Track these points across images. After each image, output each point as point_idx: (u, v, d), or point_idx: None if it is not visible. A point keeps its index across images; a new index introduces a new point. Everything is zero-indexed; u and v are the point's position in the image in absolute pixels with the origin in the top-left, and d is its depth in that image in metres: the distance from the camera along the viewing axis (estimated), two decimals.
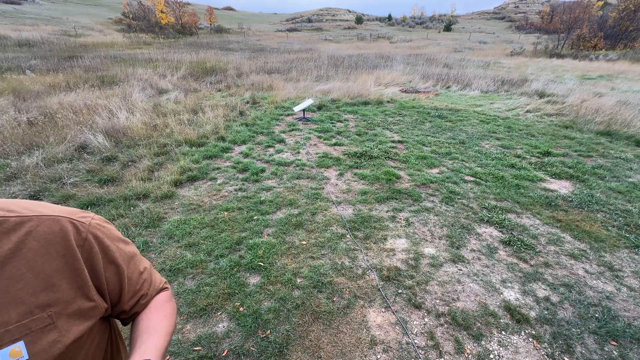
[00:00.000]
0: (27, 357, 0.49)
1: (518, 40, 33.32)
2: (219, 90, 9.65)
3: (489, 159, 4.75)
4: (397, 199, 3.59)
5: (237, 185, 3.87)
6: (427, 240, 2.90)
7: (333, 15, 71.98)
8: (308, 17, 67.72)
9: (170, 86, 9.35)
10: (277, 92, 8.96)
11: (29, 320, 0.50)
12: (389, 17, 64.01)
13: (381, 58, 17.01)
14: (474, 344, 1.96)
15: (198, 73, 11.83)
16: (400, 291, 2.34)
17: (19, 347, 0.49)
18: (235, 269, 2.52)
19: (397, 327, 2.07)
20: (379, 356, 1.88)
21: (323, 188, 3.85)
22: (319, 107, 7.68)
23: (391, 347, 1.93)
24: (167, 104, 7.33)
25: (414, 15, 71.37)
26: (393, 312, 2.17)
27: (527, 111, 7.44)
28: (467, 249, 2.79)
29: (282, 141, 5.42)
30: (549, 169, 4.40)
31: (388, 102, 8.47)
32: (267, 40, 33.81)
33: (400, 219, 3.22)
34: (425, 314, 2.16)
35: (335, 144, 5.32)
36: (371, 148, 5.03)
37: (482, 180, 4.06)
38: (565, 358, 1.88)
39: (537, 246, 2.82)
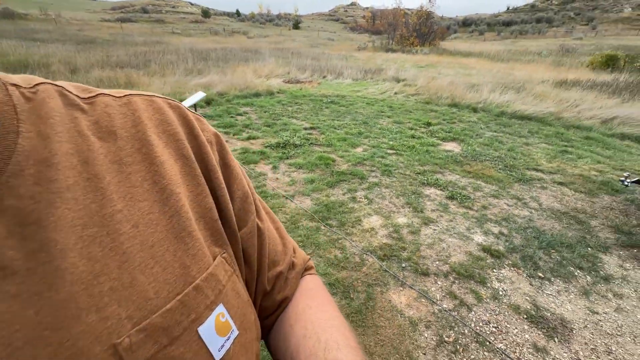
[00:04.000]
0: (237, 332, 0.32)
1: (355, 38, 39.09)
2: None
3: (392, 133, 5.32)
4: (345, 181, 3.52)
5: None
6: (394, 212, 2.96)
7: (173, 7, 64.84)
8: (142, 7, 58.53)
9: None
10: (143, 89, 7.29)
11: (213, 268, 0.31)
12: (238, 13, 62.95)
13: (248, 52, 16.50)
14: (484, 289, 2.12)
15: None
16: (403, 265, 2.29)
17: (223, 314, 0.31)
18: None
19: (422, 300, 2.00)
20: (425, 335, 1.77)
21: (265, 185, 3.37)
22: (208, 102, 6.73)
23: (430, 321, 1.86)
24: None
25: (261, 13, 72.77)
26: (411, 287, 2.09)
27: (395, 93, 8.80)
28: (428, 210, 3.01)
29: None
30: (437, 135, 5.31)
31: (278, 92, 8.28)
32: (92, 31, 27.17)
33: (360, 198, 3.17)
34: (436, 278, 2.19)
35: (249, 138, 4.77)
36: (290, 137, 4.77)
37: (400, 151, 4.49)
38: (538, 273, 2.29)
39: (470, 195, 3.34)
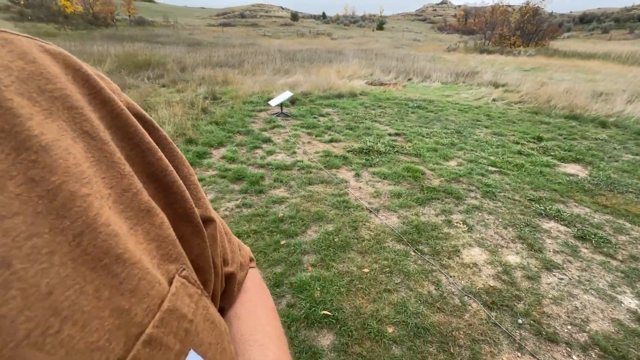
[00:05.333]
0: None
1: (444, 39, 36.45)
2: (163, 86, 8.14)
3: (493, 147, 4.58)
4: (437, 199, 3.08)
5: (237, 200, 2.94)
6: (502, 246, 2.43)
7: (267, 12, 70.24)
8: (240, 12, 64.89)
9: None
10: (237, 87, 7.86)
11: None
12: (324, 15, 64.91)
13: (332, 53, 16.69)
14: None
15: (130, 67, 9.94)
16: (520, 321, 1.81)
17: None
18: (292, 329, 1.70)
19: None
20: None
21: (347, 194, 3.15)
22: (292, 102, 6.88)
23: None
24: None
25: (346, 14, 73.65)
26: (533, 356, 1.62)
27: (494, 100, 7.72)
28: (549, 251, 2.39)
29: (268, 140, 4.53)
30: (552, 153, 4.38)
31: (361, 94, 8.05)
32: (200, 34, 31.14)
33: (457, 222, 2.71)
34: (569, 350, 1.66)
35: (331, 141, 4.64)
36: (374, 143, 4.47)
37: (505, 169, 3.80)
38: None
39: (610, 238, 2.57)
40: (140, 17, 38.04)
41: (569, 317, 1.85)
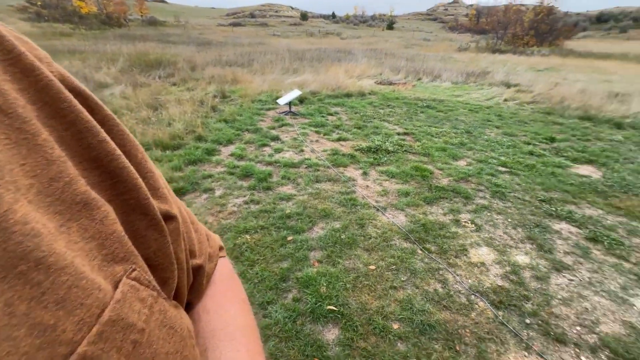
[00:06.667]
0: None
1: (455, 38, 36.00)
2: (174, 84, 8.27)
3: (503, 147, 4.52)
4: (446, 198, 3.06)
5: (245, 197, 2.98)
6: (511, 246, 2.41)
7: (276, 12, 70.53)
8: (250, 12, 65.30)
9: (110, 80, 7.72)
10: (246, 85, 7.93)
11: None
12: (333, 15, 64.83)
13: (341, 52, 16.68)
14: None
15: (141, 66, 10.12)
16: (528, 321, 1.79)
17: None
18: (298, 322, 1.72)
19: None
20: None
21: (354, 192, 3.16)
22: (301, 101, 6.91)
23: None
24: (112, 99, 5.91)
25: (355, 14, 73.37)
26: (540, 356, 1.60)
27: (505, 100, 7.60)
28: (560, 252, 2.36)
29: (276, 138, 4.56)
30: (565, 154, 4.30)
31: (369, 94, 8.02)
32: (210, 34, 31.49)
33: (465, 222, 2.69)
34: (578, 350, 1.64)
35: (339, 139, 4.65)
36: (382, 142, 4.46)
37: (515, 170, 3.75)
38: None
39: (623, 240, 2.51)
40: (152, 17, 38.68)
41: (578, 318, 1.82)
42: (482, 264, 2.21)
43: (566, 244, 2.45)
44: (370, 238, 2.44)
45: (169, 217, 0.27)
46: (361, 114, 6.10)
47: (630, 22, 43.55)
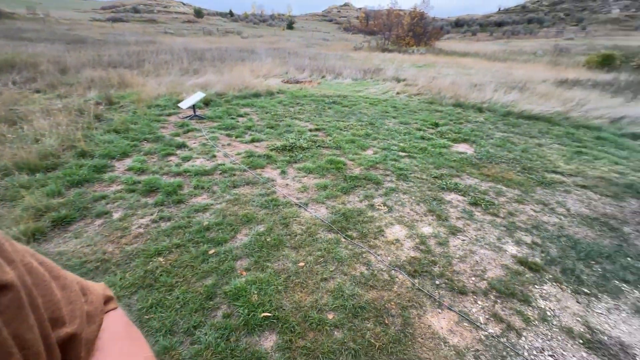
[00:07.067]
0: None
1: (350, 38, 38.93)
2: (38, 92, 6.71)
3: (401, 134, 5.12)
4: (360, 186, 3.30)
5: (152, 215, 2.63)
6: (417, 221, 2.75)
7: (165, 7, 63.86)
8: (133, 6, 57.50)
9: None
10: (138, 89, 6.97)
11: None
12: (231, 13, 62.36)
13: (244, 51, 16.19)
14: (530, 309, 1.91)
15: None
16: (437, 282, 2.07)
17: None
18: (232, 339, 1.61)
19: (465, 324, 1.79)
20: None
21: (274, 192, 3.12)
22: (206, 103, 6.45)
23: (478, 350, 1.64)
24: None
25: (254, 13, 72.19)
26: (450, 309, 1.88)
27: (397, 93, 8.61)
28: (453, 218, 2.80)
29: (182, 146, 4.16)
30: (447, 136, 5.13)
31: (278, 92, 8.03)
32: (83, 30, 26.55)
33: (378, 205, 2.95)
34: (475, 297, 1.98)
35: (253, 140, 4.52)
36: (296, 139, 4.53)
37: (412, 153, 4.29)
38: (583, 289, 2.09)
39: (493, 201, 3.14)
40: None
41: (472, 270, 2.20)
42: (397, 240, 2.47)
43: (457, 211, 2.93)
44: (296, 236, 2.45)
45: (3, 289, 0.20)
46: (272, 113, 6.06)
47: (478, 27, 54.69)
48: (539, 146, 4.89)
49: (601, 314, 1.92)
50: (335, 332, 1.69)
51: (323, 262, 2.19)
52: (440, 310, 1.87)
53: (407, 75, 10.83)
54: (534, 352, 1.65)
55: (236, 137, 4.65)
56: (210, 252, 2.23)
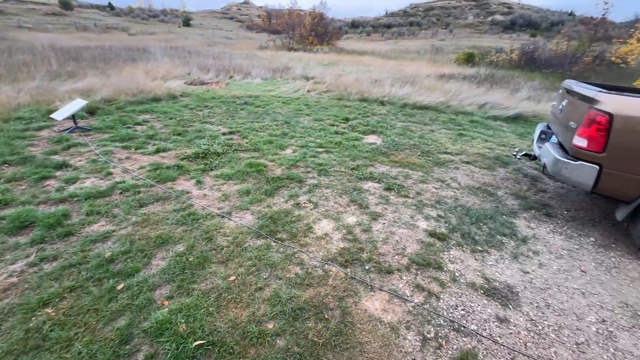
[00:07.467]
0: None
1: (254, 37, 38.17)
2: None
3: (316, 131, 5.27)
4: (283, 186, 3.27)
5: (29, 257, 2.09)
6: (342, 212, 2.87)
7: None
8: None
9: None
10: None
11: None
12: (111, 6, 53.97)
13: (134, 50, 14.22)
14: (443, 273, 2.20)
15: None
16: (367, 267, 2.21)
17: None
18: None
19: (395, 300, 1.95)
20: (409, 338, 1.72)
21: (191, 205, 2.84)
22: (91, 112, 5.44)
23: (408, 321, 1.81)
24: None
25: (141, 7, 64.08)
26: (380, 289, 2.02)
27: (308, 91, 8.84)
28: (372, 205, 3.02)
29: (63, 165, 3.42)
30: (358, 129, 5.50)
31: (182, 95, 7.33)
32: None
33: (304, 203, 2.97)
34: (400, 274, 2.18)
35: (158, 151, 4.01)
36: (209, 145, 4.21)
37: (329, 148, 4.46)
38: (478, 247, 2.52)
39: (403, 184, 3.51)
40: None
41: (394, 249, 2.41)
42: (326, 234, 2.53)
43: (374, 198, 3.17)
44: (222, 249, 2.28)
45: None
46: (178, 118, 5.50)
47: (371, 28, 60.48)
48: (432, 132, 5.68)
49: (492, 265, 2.34)
50: (278, 341, 1.63)
51: (255, 271, 2.09)
52: (373, 293, 2.00)
53: (315, 73, 11.22)
54: (451, 310, 1.90)
55: (136, 148, 4.07)
56: (119, 287, 1.89)
